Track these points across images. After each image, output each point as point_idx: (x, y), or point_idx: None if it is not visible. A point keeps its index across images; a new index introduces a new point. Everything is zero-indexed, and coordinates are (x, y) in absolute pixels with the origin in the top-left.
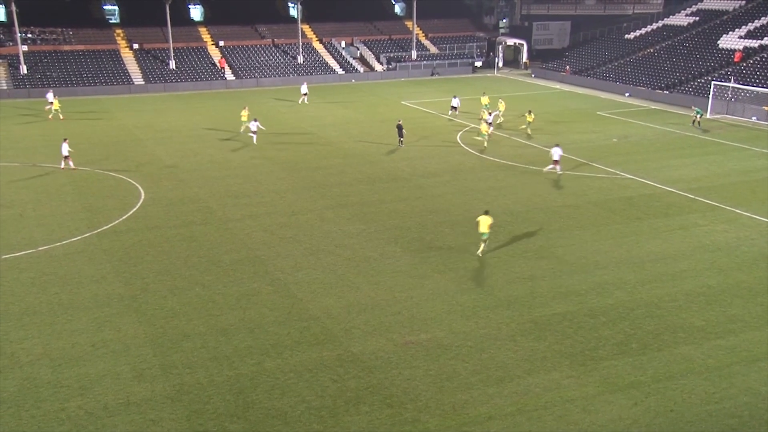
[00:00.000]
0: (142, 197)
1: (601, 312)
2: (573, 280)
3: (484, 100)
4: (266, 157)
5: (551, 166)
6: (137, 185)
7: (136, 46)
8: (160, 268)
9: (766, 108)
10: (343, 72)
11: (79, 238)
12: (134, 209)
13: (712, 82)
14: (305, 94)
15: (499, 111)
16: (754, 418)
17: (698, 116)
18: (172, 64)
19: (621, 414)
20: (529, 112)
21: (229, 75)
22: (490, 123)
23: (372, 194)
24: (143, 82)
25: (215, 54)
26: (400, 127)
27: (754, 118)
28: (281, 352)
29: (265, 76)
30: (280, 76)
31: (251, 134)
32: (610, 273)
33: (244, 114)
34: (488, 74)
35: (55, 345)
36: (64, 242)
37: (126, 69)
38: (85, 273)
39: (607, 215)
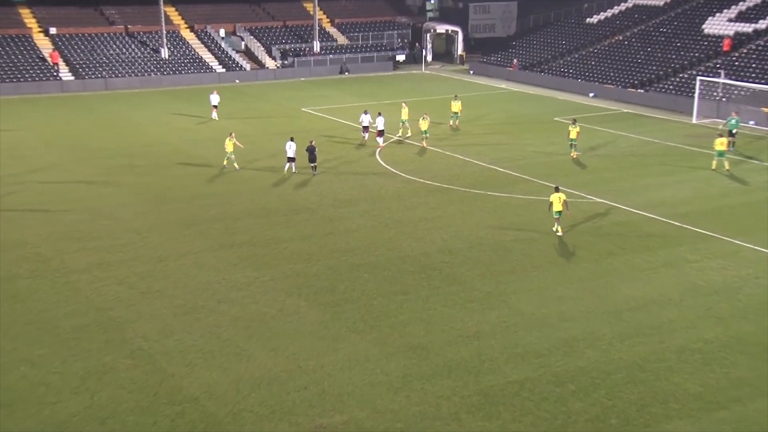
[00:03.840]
0: None
1: (569, 378)
2: (531, 336)
3: (456, 106)
4: (121, 185)
5: None
6: None
7: None
8: None
9: (765, 109)
10: (224, 70)
11: None
12: None
13: (698, 78)
14: (216, 106)
15: (403, 120)
16: None
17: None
18: None
19: None
20: (573, 127)
21: (65, 73)
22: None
23: (266, 231)
24: None
25: (44, 45)
26: (311, 150)
27: (751, 122)
28: None
29: (116, 76)
30: (137, 75)
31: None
32: (579, 326)
33: (230, 143)
34: (414, 71)
35: None
36: None
37: None
38: None
39: (572, 251)
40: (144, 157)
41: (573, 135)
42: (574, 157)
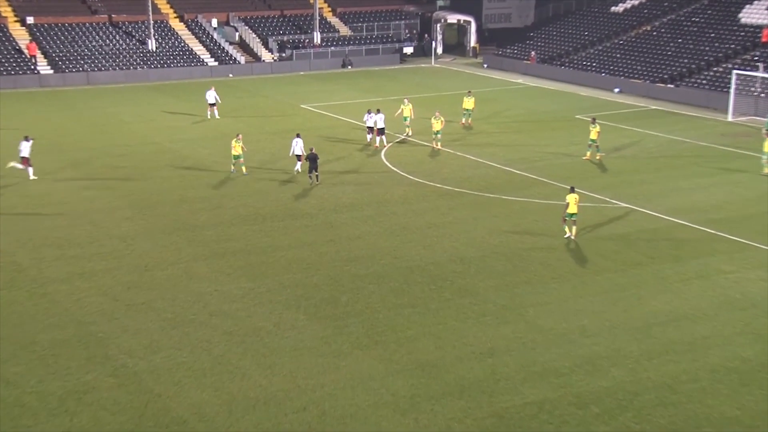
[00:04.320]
0: None
1: (592, 399)
2: (551, 354)
3: (468, 102)
4: (106, 188)
5: None
6: None
7: None
8: None
9: None
10: (216, 63)
11: None
12: None
13: (734, 72)
14: (213, 105)
15: (405, 117)
16: None
17: None
18: None
19: None
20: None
21: (43, 66)
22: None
23: (262, 238)
24: None
25: (21, 36)
26: (313, 158)
27: None
28: None
29: (99, 69)
30: (122, 68)
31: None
32: (603, 342)
33: (237, 146)
34: (423, 65)
35: None
36: None
37: None
38: None
39: (594, 260)
40: (129, 157)
41: (593, 135)
42: (598, 158)
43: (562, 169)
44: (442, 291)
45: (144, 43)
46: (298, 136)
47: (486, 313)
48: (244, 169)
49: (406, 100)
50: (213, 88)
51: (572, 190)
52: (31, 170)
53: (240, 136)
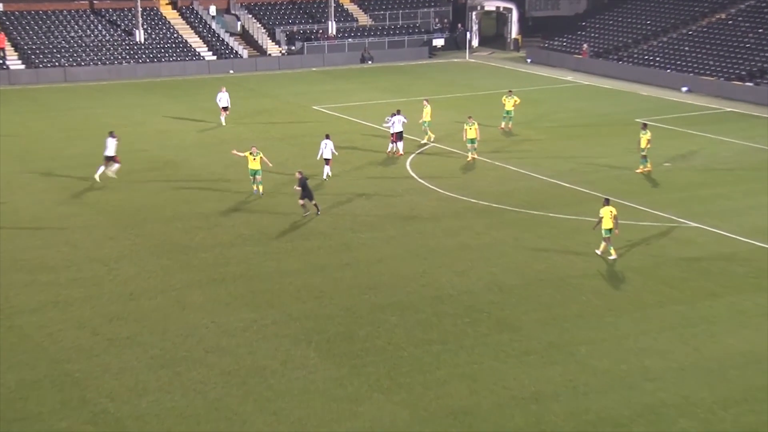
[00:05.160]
0: None
1: None
2: (607, 400)
3: (509, 103)
4: (85, 203)
5: None
6: None
7: None
8: None
9: None
10: (215, 57)
11: None
12: None
13: None
14: (225, 109)
15: (424, 121)
16: None
17: None
18: None
19: None
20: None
21: (13, 61)
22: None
23: (267, 261)
24: None
25: None
26: (304, 182)
27: None
28: None
29: (78, 64)
30: (105, 63)
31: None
32: (669, 388)
33: (252, 160)
34: (456, 59)
35: None
36: None
37: None
38: None
39: (658, 289)
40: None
41: (644, 143)
42: (642, 170)
43: (619, 182)
44: (478, 325)
45: (131, 33)
46: (327, 137)
47: (529, 352)
48: (260, 188)
49: (425, 102)
50: (224, 89)
51: (607, 203)
52: (116, 166)
53: (255, 149)
